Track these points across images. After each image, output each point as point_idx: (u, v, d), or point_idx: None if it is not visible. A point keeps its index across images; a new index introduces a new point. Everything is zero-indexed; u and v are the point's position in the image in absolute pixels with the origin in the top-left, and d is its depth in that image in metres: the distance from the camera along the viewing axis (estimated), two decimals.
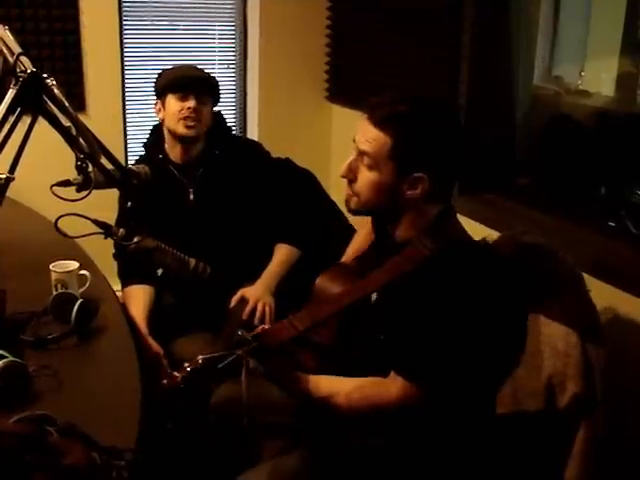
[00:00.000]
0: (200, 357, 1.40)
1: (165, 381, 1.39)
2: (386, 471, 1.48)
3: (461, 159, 1.52)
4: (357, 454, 1.51)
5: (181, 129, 2.15)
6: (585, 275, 1.68)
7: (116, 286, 2.15)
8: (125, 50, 3.32)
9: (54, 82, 1.41)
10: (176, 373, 1.40)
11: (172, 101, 2.15)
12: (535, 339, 1.60)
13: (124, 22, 3.28)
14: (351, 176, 1.49)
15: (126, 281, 2.22)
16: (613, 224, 2.24)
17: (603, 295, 1.78)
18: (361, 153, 1.46)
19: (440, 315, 1.40)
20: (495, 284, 1.44)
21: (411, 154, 1.43)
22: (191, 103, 2.13)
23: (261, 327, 1.62)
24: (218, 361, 1.40)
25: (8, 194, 1.43)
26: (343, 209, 1.75)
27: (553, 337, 1.58)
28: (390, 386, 1.43)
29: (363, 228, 1.89)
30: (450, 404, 1.43)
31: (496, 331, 1.42)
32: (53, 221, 1.58)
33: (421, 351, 1.41)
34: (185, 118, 2.13)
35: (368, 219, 1.81)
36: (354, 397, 1.46)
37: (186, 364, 1.41)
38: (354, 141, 1.49)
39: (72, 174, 1.52)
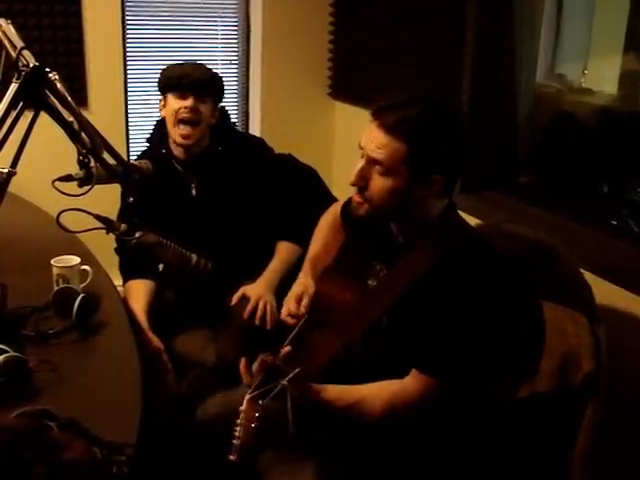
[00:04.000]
0: (249, 396, 1.33)
1: (240, 436, 1.31)
2: (398, 466, 1.49)
3: (466, 155, 1.51)
4: (370, 458, 1.50)
5: (177, 138, 2.14)
6: (586, 273, 1.68)
7: (117, 281, 2.15)
8: (127, 46, 3.32)
9: (57, 76, 1.41)
10: (245, 422, 1.31)
11: (171, 100, 2.13)
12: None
13: (127, 18, 3.28)
14: (363, 183, 1.44)
15: (127, 276, 2.22)
16: (615, 222, 2.23)
17: (604, 293, 1.78)
18: (373, 161, 1.42)
19: (459, 312, 1.40)
20: (506, 279, 1.45)
21: (427, 159, 1.41)
22: (188, 102, 2.11)
23: (287, 350, 1.52)
24: (265, 396, 1.34)
25: (10, 189, 1.44)
26: None
27: (561, 320, 1.59)
28: (409, 385, 1.43)
29: (325, 224, 1.89)
30: (470, 398, 1.43)
31: (511, 325, 1.43)
32: (55, 216, 1.57)
33: (443, 348, 1.41)
34: (180, 122, 2.10)
35: (333, 214, 1.81)
36: (375, 402, 1.43)
37: (243, 408, 1.32)
38: (360, 147, 1.45)
39: (74, 169, 1.52)
